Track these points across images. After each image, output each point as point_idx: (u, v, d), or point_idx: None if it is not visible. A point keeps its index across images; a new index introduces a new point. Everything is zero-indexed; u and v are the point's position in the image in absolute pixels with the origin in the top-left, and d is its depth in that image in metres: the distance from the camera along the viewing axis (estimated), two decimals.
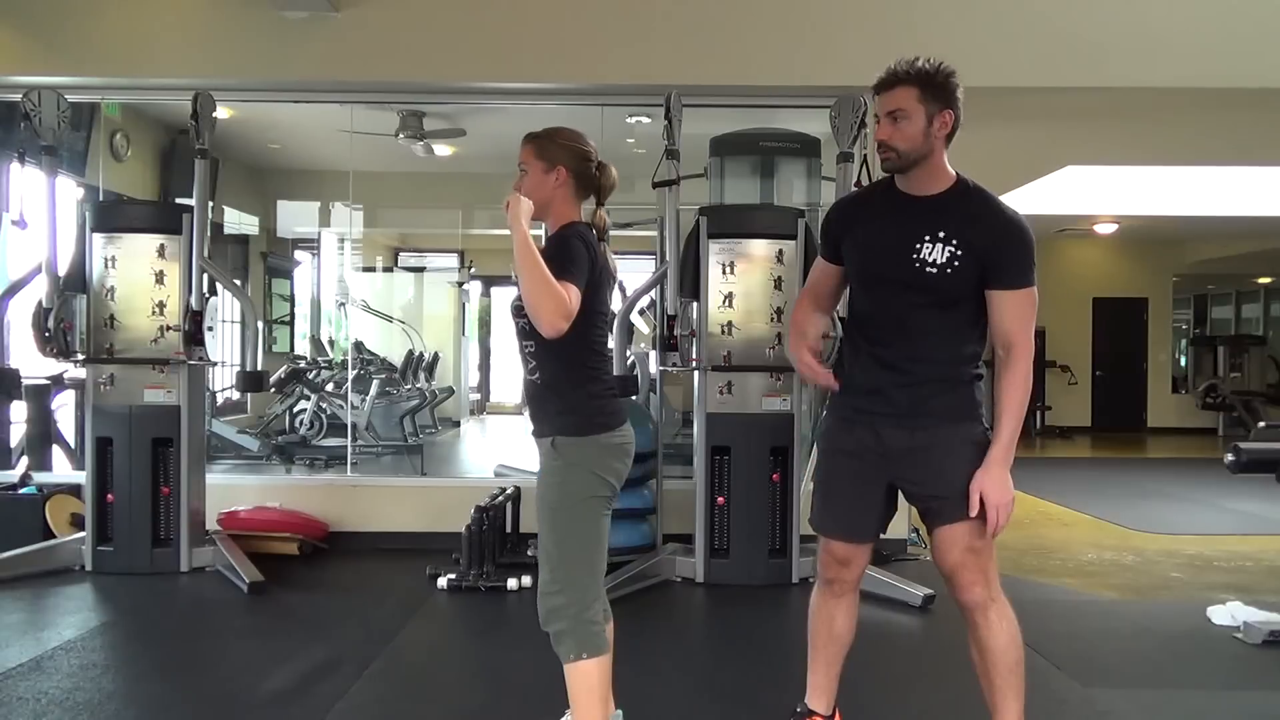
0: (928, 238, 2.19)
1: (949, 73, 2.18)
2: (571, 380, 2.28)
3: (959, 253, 2.17)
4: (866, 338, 2.34)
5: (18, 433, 5.87)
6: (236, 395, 8.17)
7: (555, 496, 2.27)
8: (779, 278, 4.55)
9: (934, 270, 2.19)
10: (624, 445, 2.31)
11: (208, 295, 4.60)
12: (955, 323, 2.25)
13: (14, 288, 4.58)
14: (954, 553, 2.24)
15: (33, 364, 4.87)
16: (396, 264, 11.53)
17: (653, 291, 5.04)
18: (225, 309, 7.05)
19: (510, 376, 11.23)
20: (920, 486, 2.28)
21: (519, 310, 2.26)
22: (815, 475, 2.49)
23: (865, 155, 4.30)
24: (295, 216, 9.28)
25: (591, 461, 2.25)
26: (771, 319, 4.53)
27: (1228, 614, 3.87)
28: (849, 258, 2.37)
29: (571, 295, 2.11)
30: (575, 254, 2.19)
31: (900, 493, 2.35)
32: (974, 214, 2.21)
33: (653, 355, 5.47)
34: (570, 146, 2.33)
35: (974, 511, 2.17)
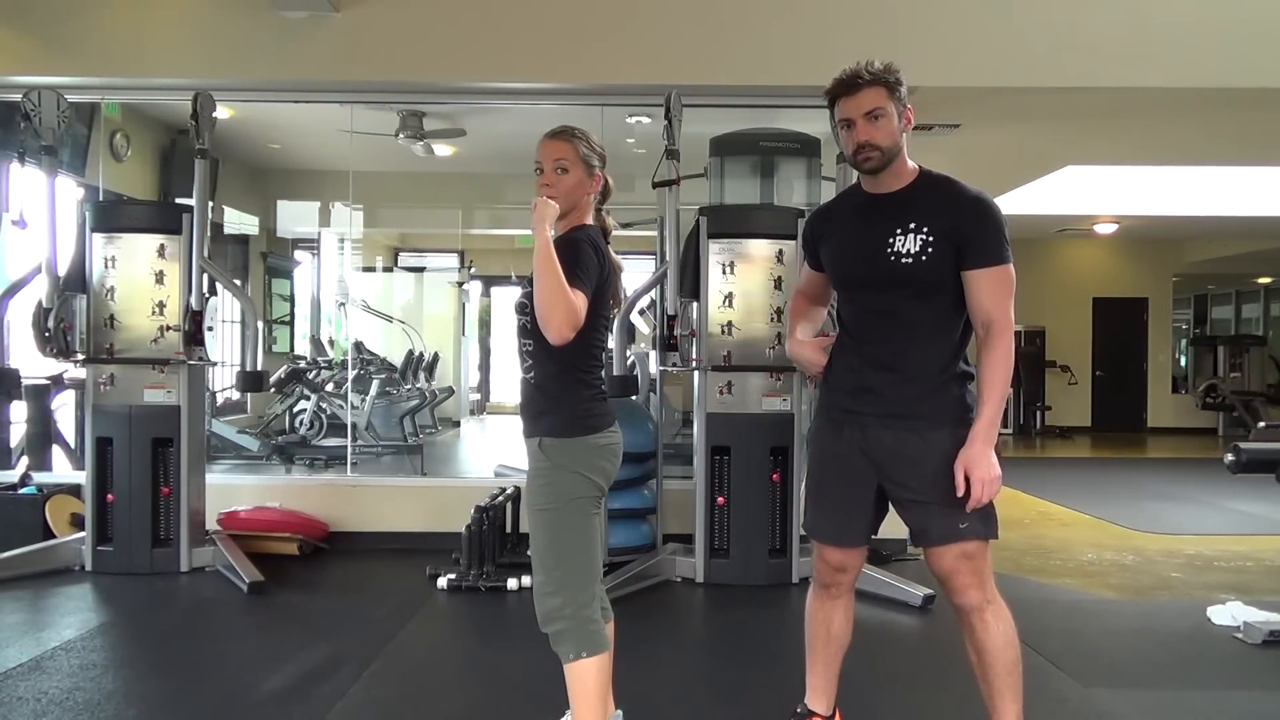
0: (899, 231, 2.22)
1: (899, 71, 2.23)
2: (563, 382, 2.28)
3: (930, 238, 2.19)
4: (854, 338, 2.35)
5: (18, 433, 5.87)
6: (236, 395, 8.17)
7: (544, 498, 2.26)
8: (779, 278, 4.55)
9: (909, 260, 2.20)
10: (611, 446, 2.31)
11: (208, 295, 4.60)
12: (939, 313, 2.25)
13: (14, 288, 4.58)
14: (947, 558, 2.23)
15: (33, 364, 4.87)
16: (396, 264, 11.54)
17: (653, 291, 5.04)
18: (225, 309, 7.07)
19: (510, 377, 11.23)
20: (906, 490, 2.26)
21: (522, 308, 2.28)
22: (806, 479, 2.49)
23: None
24: (295, 216, 9.27)
25: (579, 462, 2.25)
26: (771, 319, 4.54)
27: (1228, 614, 3.87)
28: (828, 266, 2.40)
29: (580, 303, 2.13)
30: (586, 260, 2.20)
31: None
32: (941, 198, 2.24)
33: (653, 355, 5.47)
34: (603, 154, 2.37)
35: (960, 491, 2.15)
